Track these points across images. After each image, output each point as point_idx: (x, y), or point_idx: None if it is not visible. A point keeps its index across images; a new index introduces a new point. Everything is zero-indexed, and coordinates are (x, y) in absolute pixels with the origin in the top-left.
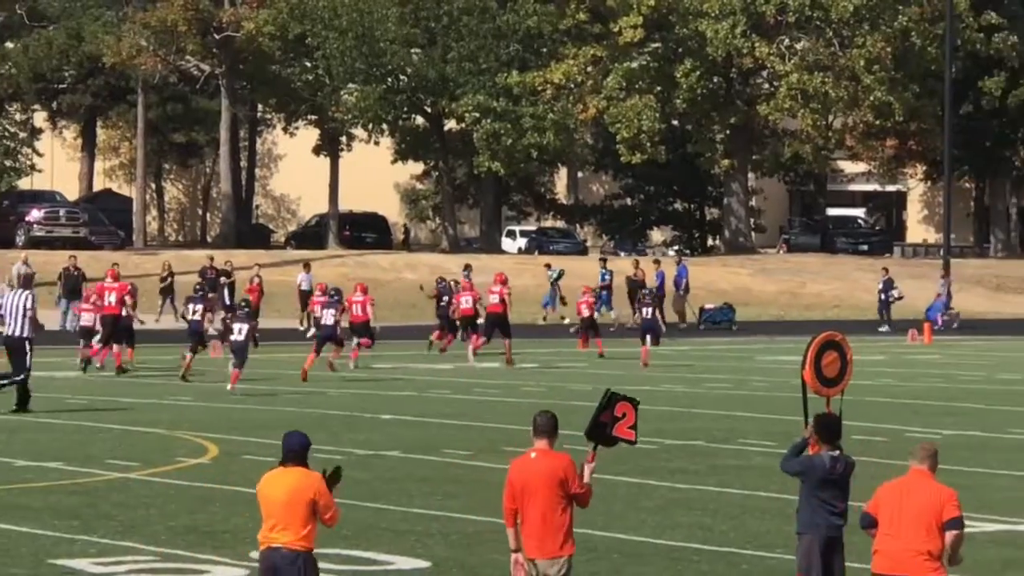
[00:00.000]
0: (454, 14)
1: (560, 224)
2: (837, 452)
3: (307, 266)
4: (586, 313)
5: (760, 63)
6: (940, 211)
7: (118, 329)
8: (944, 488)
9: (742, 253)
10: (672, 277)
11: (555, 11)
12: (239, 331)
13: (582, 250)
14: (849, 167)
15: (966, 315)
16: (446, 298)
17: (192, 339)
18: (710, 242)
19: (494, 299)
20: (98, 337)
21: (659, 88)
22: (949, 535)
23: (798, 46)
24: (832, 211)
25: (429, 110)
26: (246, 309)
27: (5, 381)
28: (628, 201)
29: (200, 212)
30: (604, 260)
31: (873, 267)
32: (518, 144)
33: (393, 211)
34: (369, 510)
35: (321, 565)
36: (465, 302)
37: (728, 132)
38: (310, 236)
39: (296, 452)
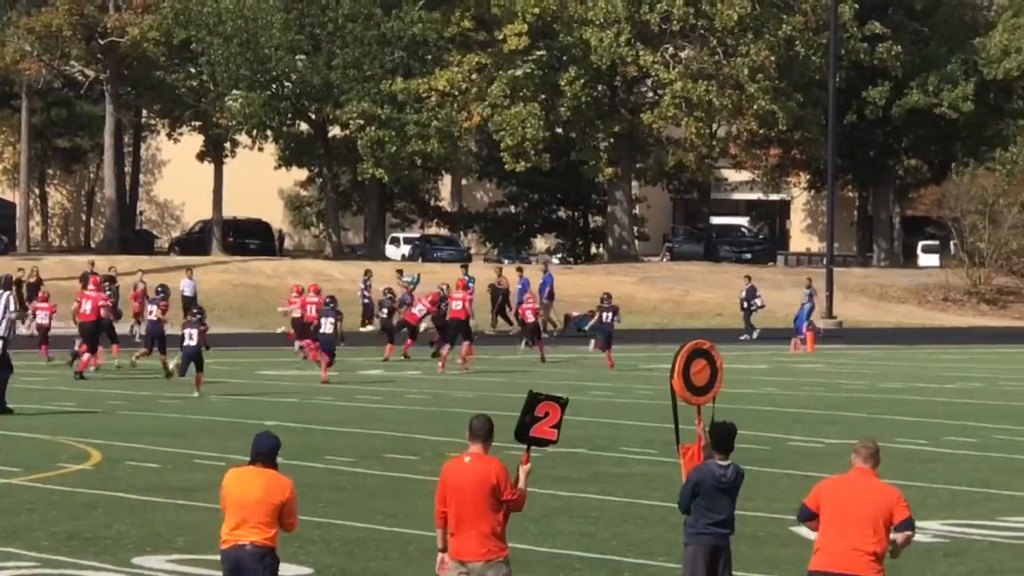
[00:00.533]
0: (339, 21)
1: (444, 231)
2: (728, 462)
3: (190, 272)
4: (531, 319)
5: (644, 71)
6: (823, 220)
7: (100, 331)
8: (890, 488)
9: (626, 261)
10: (537, 285)
11: (440, 18)
12: (190, 336)
13: (467, 257)
14: (733, 176)
15: (849, 324)
16: (385, 310)
17: (151, 340)
18: (594, 250)
19: (457, 305)
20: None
21: (543, 96)
22: (902, 535)
23: (682, 54)
24: (716, 219)
25: (313, 116)
26: (198, 316)
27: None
28: (512, 209)
29: (84, 218)
30: (465, 266)
31: (756, 275)
32: (402, 151)
33: (277, 217)
34: None
35: (205, 572)
36: (456, 305)
37: (612, 140)
38: (194, 242)
39: (267, 453)
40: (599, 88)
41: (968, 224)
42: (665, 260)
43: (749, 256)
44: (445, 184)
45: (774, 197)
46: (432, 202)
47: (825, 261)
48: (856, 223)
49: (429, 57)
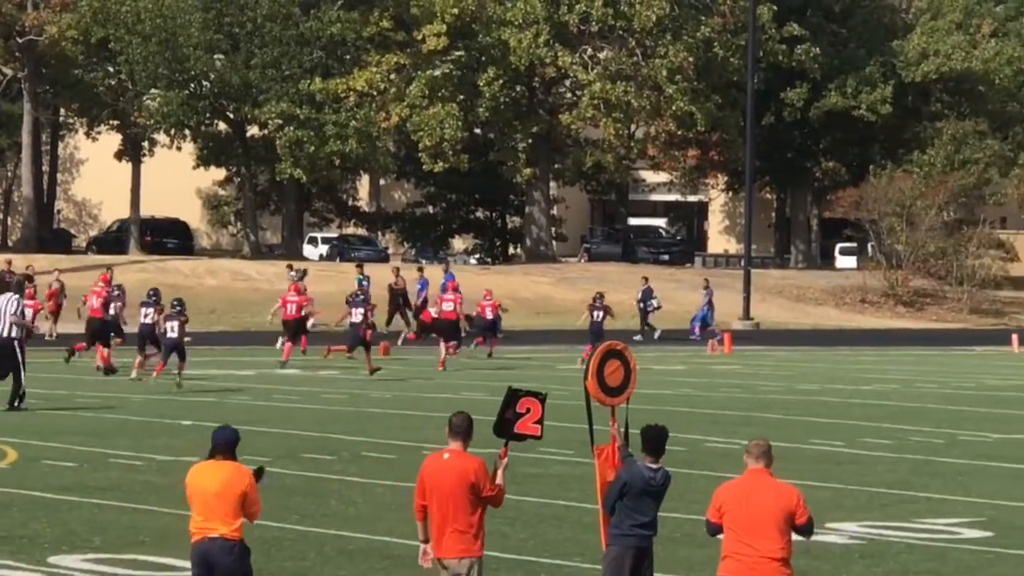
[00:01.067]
0: (257, 20)
1: (362, 231)
2: (658, 465)
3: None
4: (489, 315)
5: (563, 72)
6: (741, 221)
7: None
8: (790, 488)
9: (543, 262)
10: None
11: (359, 18)
12: (172, 328)
13: (384, 257)
14: (651, 177)
15: (766, 325)
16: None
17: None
18: (512, 250)
19: (448, 306)
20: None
21: (462, 96)
22: (805, 537)
23: (601, 55)
24: (633, 221)
25: (232, 116)
26: (178, 308)
27: (19, 392)
28: (430, 209)
29: (1, 216)
30: (361, 265)
31: (674, 277)
32: (320, 151)
33: (195, 217)
34: (168, 516)
35: (118, 571)
36: (447, 305)
37: (530, 141)
38: (111, 241)
39: (226, 446)
40: (517, 89)
41: (885, 226)
42: (583, 261)
43: (667, 257)
44: (363, 184)
45: (692, 198)
46: (350, 202)
47: (743, 263)
48: (774, 225)
49: (347, 57)
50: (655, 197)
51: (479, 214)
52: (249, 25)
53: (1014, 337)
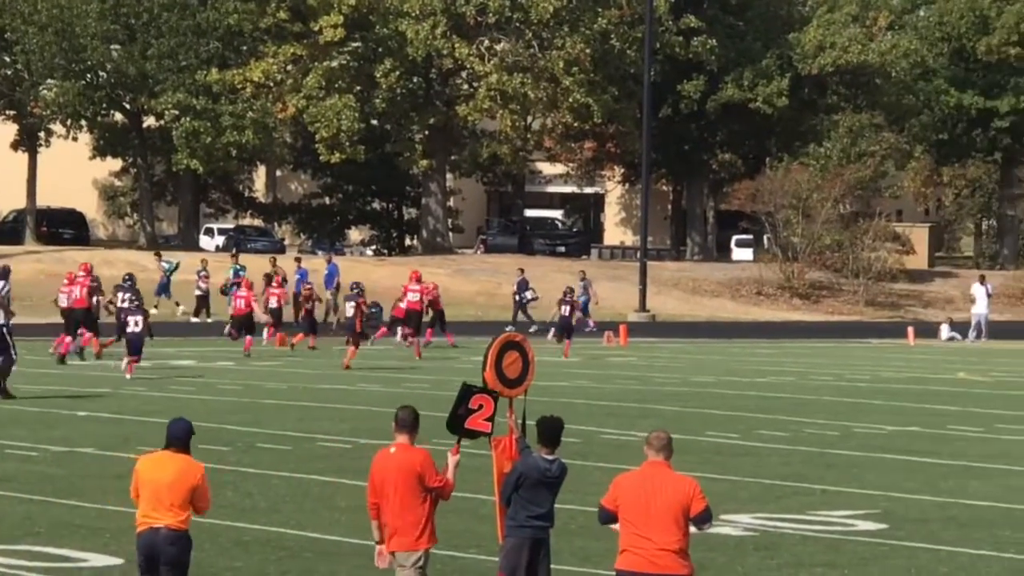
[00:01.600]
0: (154, 11)
1: (258, 222)
2: (553, 456)
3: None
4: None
5: (460, 64)
6: (637, 214)
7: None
8: (687, 479)
9: (440, 253)
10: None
11: (255, 9)
12: (135, 323)
13: (280, 248)
14: (548, 169)
15: (662, 317)
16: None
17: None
18: (408, 242)
19: (413, 296)
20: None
21: (359, 88)
22: (702, 527)
23: (498, 47)
24: (530, 212)
25: (128, 106)
26: (136, 302)
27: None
28: (327, 200)
29: None
30: (236, 255)
31: (571, 268)
32: (217, 142)
33: (91, 207)
34: (64, 507)
35: (12, 562)
36: (412, 296)
37: (427, 132)
38: (7, 232)
39: (180, 439)
40: (414, 80)
41: (782, 219)
42: (479, 252)
43: (563, 249)
44: (260, 175)
45: (589, 190)
46: (246, 193)
47: (639, 254)
48: (670, 217)
49: (244, 48)
50: (552, 189)
51: (376, 205)
52: (146, 15)
53: (910, 330)
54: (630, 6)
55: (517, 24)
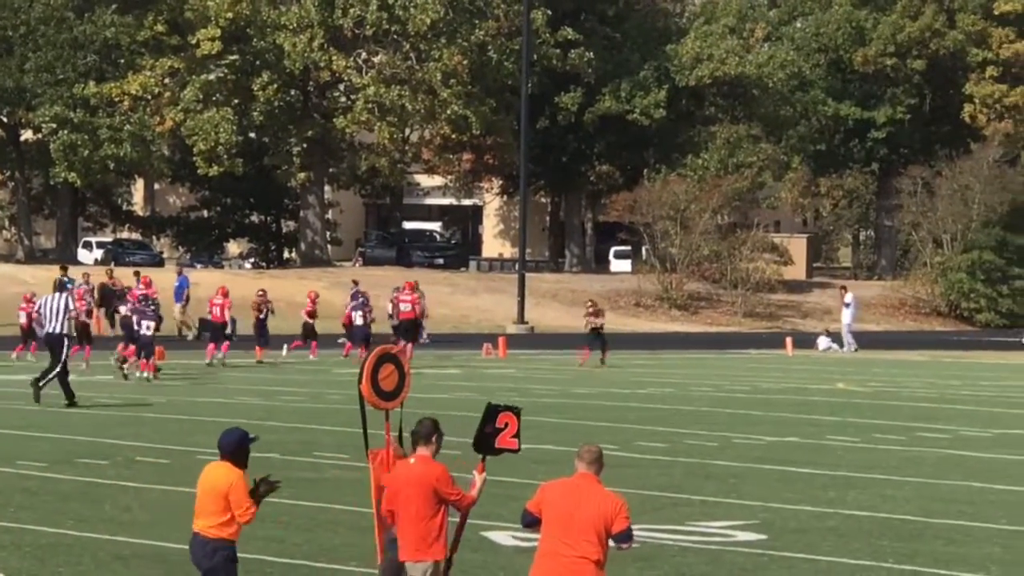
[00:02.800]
0: (31, 24)
1: (136, 236)
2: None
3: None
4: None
5: (337, 76)
6: (516, 225)
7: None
8: (613, 496)
9: (318, 266)
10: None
11: (133, 22)
12: (147, 328)
13: (159, 262)
14: (426, 181)
15: (540, 329)
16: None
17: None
18: (287, 254)
19: (406, 307)
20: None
21: (237, 100)
22: (623, 546)
23: (375, 59)
24: (408, 224)
25: (5, 120)
26: (153, 308)
27: (47, 378)
28: (205, 213)
29: None
30: (65, 268)
31: (449, 280)
32: (95, 155)
33: None
34: None
35: None
36: (404, 307)
37: (305, 145)
38: None
39: (223, 447)
40: (292, 93)
41: (660, 230)
42: (357, 265)
43: (441, 261)
44: (138, 188)
45: (467, 202)
46: (125, 206)
47: (517, 266)
48: (548, 228)
49: (122, 61)
50: (430, 201)
51: (254, 218)
52: (23, 28)
53: (788, 340)
54: (507, 18)
55: (394, 36)
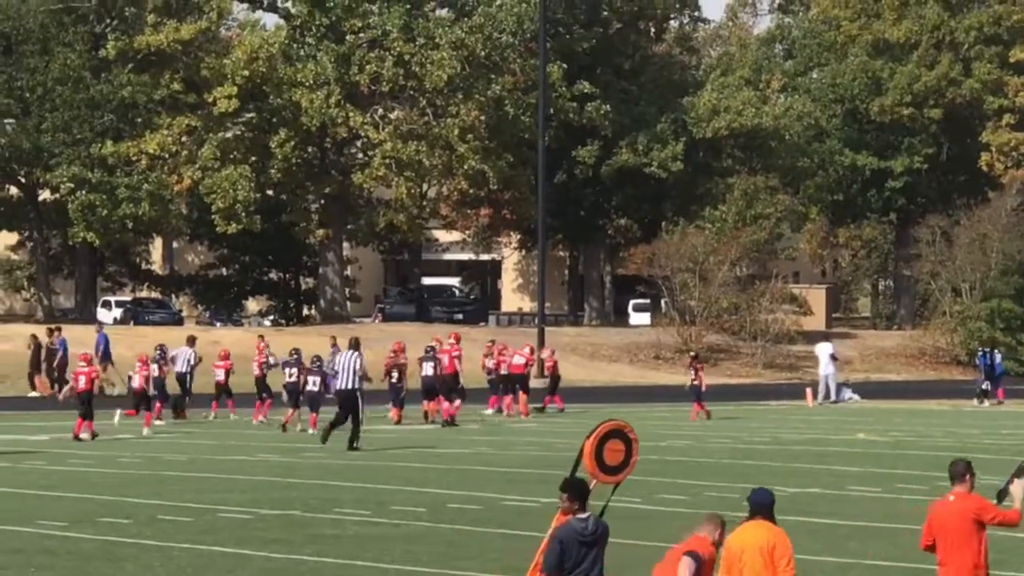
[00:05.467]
0: (48, 84)
1: (156, 294)
2: (587, 514)
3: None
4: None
5: (355, 132)
6: (535, 279)
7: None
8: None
9: (338, 322)
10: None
11: (149, 81)
12: (313, 383)
13: (178, 320)
14: (444, 236)
15: (562, 383)
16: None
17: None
18: (306, 311)
19: (519, 359)
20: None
21: (254, 158)
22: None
23: (392, 115)
24: (427, 280)
25: (24, 180)
26: (318, 364)
27: (357, 437)
28: (224, 271)
29: None
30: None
31: (468, 336)
32: (113, 214)
33: None
34: None
35: None
36: (517, 359)
37: (323, 201)
38: None
39: (761, 507)
40: (310, 149)
41: (678, 282)
42: (377, 321)
43: (461, 316)
44: (156, 247)
45: (485, 257)
46: (143, 265)
47: (537, 320)
48: (567, 282)
49: (139, 120)
50: (448, 256)
51: (273, 275)
52: (40, 89)
53: (808, 391)
54: (523, 73)
55: (411, 92)
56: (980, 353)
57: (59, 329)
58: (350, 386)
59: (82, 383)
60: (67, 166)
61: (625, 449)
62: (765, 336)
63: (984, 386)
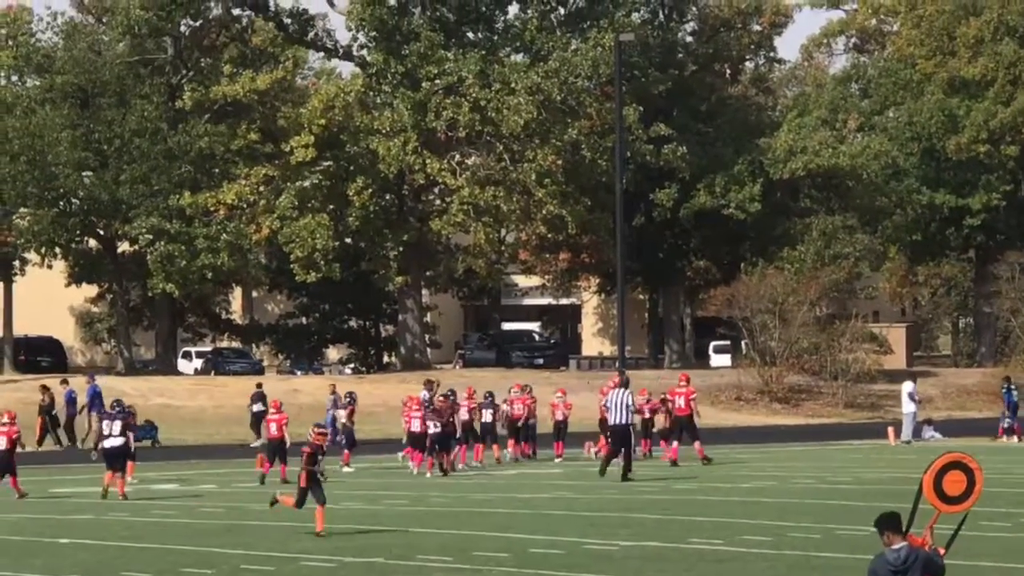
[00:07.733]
0: (125, 136)
1: (236, 344)
2: (900, 544)
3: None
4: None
5: (432, 179)
6: (615, 323)
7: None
8: None
9: (418, 369)
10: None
11: (226, 131)
12: (434, 425)
13: (259, 370)
14: (523, 281)
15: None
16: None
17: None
18: (386, 359)
19: (518, 408)
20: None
21: (332, 206)
22: None
23: (469, 161)
24: (507, 325)
25: (102, 232)
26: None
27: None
28: (303, 320)
29: None
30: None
31: (550, 380)
32: (192, 265)
33: (68, 334)
34: None
35: None
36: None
37: (401, 248)
38: None
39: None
40: (387, 197)
41: (758, 323)
42: (457, 367)
43: (541, 361)
44: (236, 297)
45: (565, 301)
46: (223, 315)
47: (617, 364)
48: (647, 325)
49: (216, 170)
50: (528, 301)
51: (352, 323)
52: (117, 141)
53: (890, 430)
54: (600, 116)
55: (488, 138)
56: (1004, 389)
57: (65, 381)
58: (623, 421)
59: (273, 430)
60: (145, 218)
61: (967, 479)
62: (846, 376)
63: (1007, 422)
